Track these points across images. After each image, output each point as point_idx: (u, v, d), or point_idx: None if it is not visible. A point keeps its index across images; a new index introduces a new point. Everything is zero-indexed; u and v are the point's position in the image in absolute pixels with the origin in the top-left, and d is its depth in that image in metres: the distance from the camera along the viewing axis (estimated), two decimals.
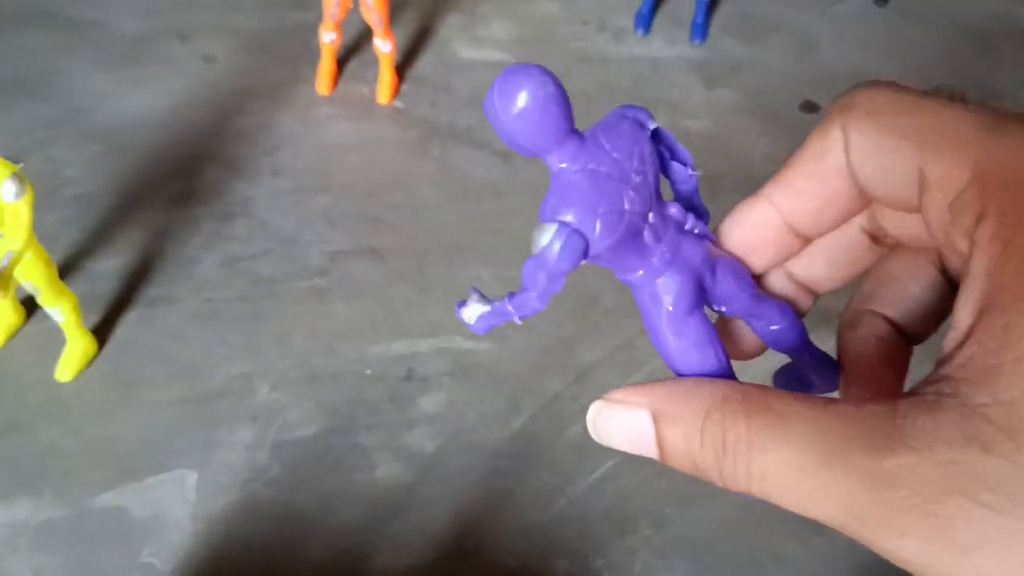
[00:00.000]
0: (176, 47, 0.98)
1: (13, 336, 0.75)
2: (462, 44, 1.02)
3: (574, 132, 0.27)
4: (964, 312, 0.23)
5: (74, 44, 0.97)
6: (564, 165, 0.27)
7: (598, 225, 0.26)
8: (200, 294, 0.79)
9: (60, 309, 0.70)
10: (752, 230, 0.30)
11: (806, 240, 0.30)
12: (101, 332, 0.76)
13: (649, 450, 0.29)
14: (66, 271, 0.78)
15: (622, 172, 0.27)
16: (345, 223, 0.85)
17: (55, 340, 0.75)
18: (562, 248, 0.26)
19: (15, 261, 0.63)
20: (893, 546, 0.23)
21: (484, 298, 0.29)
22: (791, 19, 1.09)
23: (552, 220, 0.26)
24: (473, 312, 0.29)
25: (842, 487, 0.23)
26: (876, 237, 0.31)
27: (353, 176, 0.89)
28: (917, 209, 0.26)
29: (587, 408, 0.72)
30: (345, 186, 0.88)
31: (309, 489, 0.70)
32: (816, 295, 0.33)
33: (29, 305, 0.76)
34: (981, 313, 0.23)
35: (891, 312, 0.31)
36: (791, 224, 0.30)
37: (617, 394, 0.29)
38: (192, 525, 0.67)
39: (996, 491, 0.21)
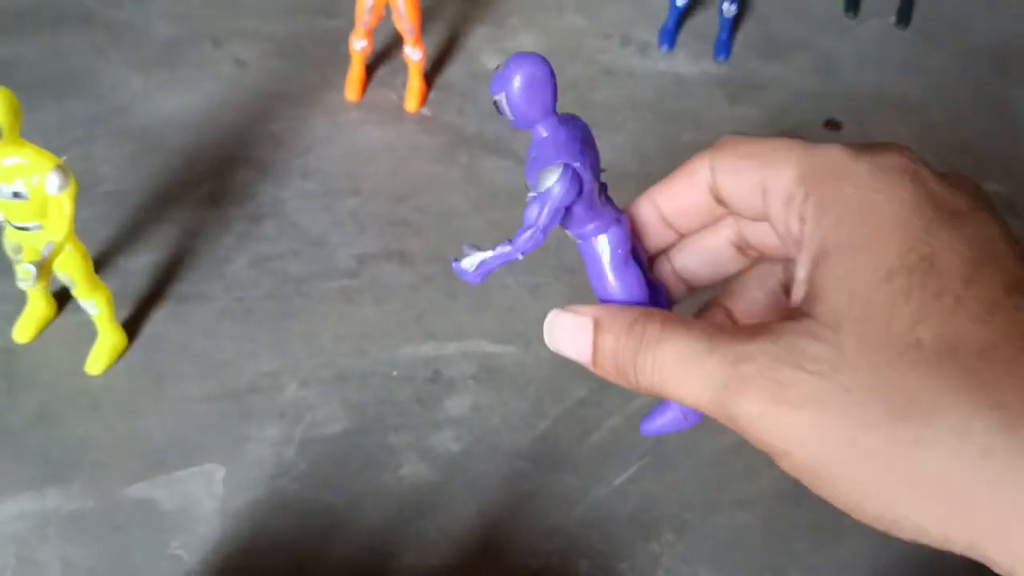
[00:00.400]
0: (209, 51, 1.00)
1: (45, 328, 0.76)
2: (490, 55, 1.03)
3: (555, 112, 0.35)
4: (802, 268, 0.33)
5: (110, 45, 0.99)
6: (546, 134, 0.35)
7: (587, 174, 0.35)
8: (230, 293, 0.80)
9: (95, 302, 0.71)
10: (640, 217, 0.40)
11: (680, 234, 0.41)
12: (131, 327, 0.77)
13: (585, 353, 0.36)
14: (99, 267, 0.79)
15: (583, 147, 0.35)
16: (373, 226, 0.86)
17: (86, 333, 0.76)
18: (568, 184, 0.34)
19: (56, 252, 0.64)
20: (745, 409, 0.31)
21: (479, 249, 0.36)
22: (813, 39, 1.11)
23: (557, 164, 0.34)
24: (472, 260, 0.35)
25: (717, 367, 0.31)
26: (741, 248, 0.40)
27: (381, 180, 0.90)
28: (764, 216, 0.36)
29: (612, 414, 0.75)
30: (373, 190, 0.89)
31: (336, 487, 0.70)
32: (691, 288, 0.42)
33: (60, 298, 0.77)
34: (814, 263, 0.32)
35: (732, 305, 0.41)
36: (667, 219, 0.40)
37: (569, 307, 0.37)
38: (220, 519, 0.68)
39: (819, 363, 0.30)
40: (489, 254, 0.35)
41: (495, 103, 0.34)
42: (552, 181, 0.33)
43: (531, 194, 0.35)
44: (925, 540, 0.32)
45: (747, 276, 0.41)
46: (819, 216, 0.32)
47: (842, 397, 0.29)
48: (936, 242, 0.30)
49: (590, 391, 0.77)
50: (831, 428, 0.30)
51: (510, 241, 0.34)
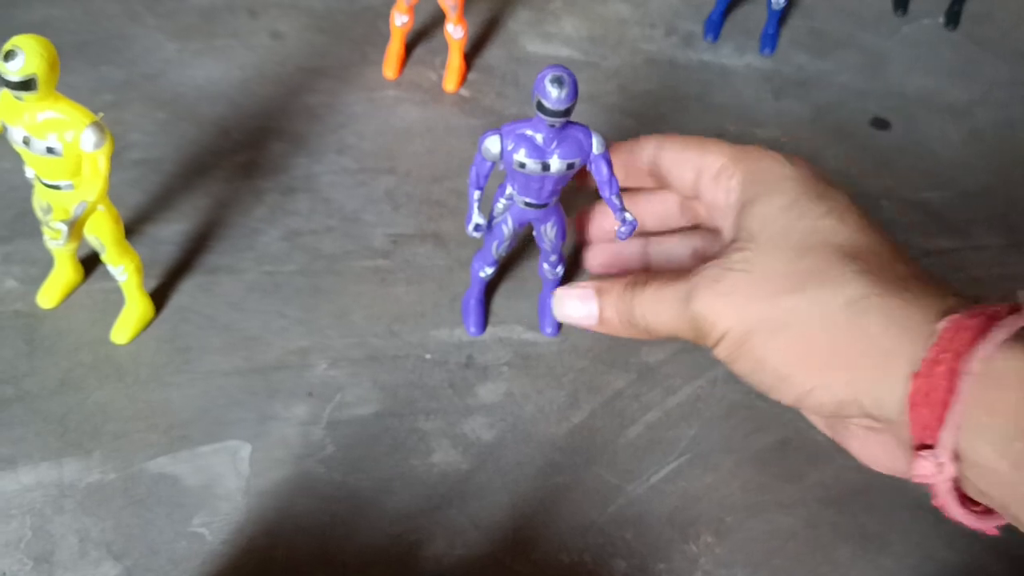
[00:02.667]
0: (245, 22, 0.97)
1: (71, 294, 0.74)
2: (531, 39, 1.01)
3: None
4: (729, 218, 0.50)
5: (145, 11, 0.97)
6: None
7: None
8: (261, 266, 0.78)
9: (123, 268, 0.69)
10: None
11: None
12: (159, 297, 0.75)
13: (593, 315, 0.52)
14: (128, 234, 0.77)
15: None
16: (408, 206, 0.84)
17: (112, 301, 0.73)
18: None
19: (89, 211, 0.62)
20: (695, 307, 0.45)
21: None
22: (861, 37, 1.08)
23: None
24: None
25: (679, 288, 0.47)
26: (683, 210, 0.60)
27: (417, 160, 0.88)
28: (693, 191, 0.54)
29: (650, 408, 0.75)
30: (409, 170, 0.87)
31: (364, 470, 0.68)
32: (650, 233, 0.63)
33: (88, 264, 0.75)
34: (738, 212, 0.48)
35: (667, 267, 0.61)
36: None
37: (571, 284, 0.54)
38: (244, 498, 0.66)
39: (741, 263, 0.44)
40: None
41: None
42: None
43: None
44: (826, 410, 0.43)
45: (675, 243, 0.60)
46: (744, 181, 0.49)
47: (756, 282, 0.43)
48: (822, 187, 0.47)
49: (628, 383, 0.75)
50: (749, 306, 0.43)
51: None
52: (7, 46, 0.56)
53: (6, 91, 0.59)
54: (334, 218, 0.82)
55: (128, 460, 0.66)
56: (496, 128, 0.62)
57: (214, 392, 0.70)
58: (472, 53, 0.98)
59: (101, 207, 0.64)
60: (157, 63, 0.92)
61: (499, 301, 0.78)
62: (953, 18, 1.11)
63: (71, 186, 0.63)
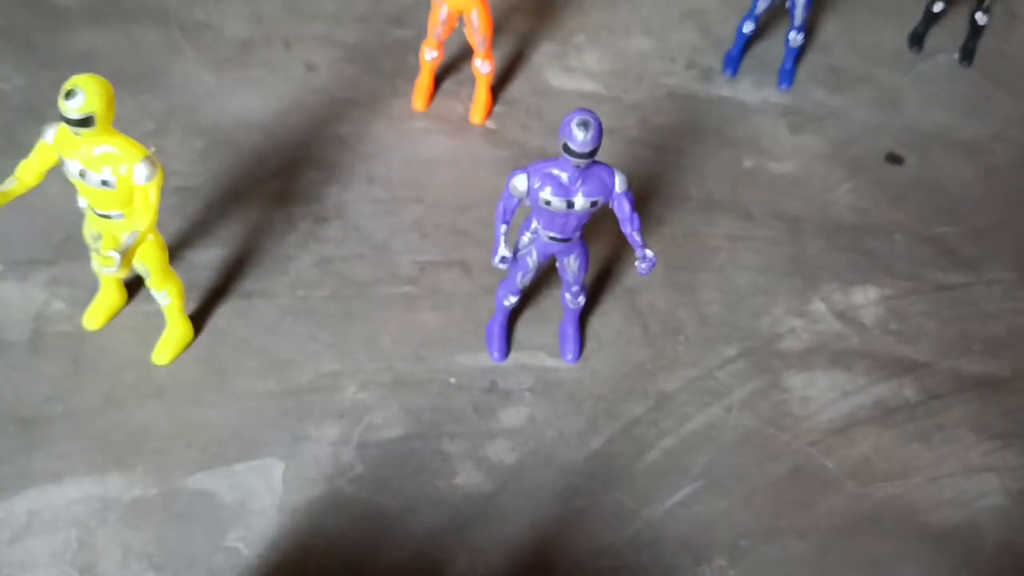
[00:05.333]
0: (281, 54, 1.01)
1: (115, 316, 0.77)
2: (554, 72, 1.04)
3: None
4: None
5: (184, 43, 1.01)
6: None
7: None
8: (294, 291, 0.81)
9: (167, 293, 0.72)
10: None
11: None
12: (197, 320, 0.78)
13: None
14: (169, 259, 0.81)
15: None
16: (436, 234, 0.87)
17: (153, 323, 0.77)
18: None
19: (139, 241, 0.65)
20: None
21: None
22: (877, 74, 1.11)
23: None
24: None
25: None
26: None
27: (445, 190, 0.91)
28: None
29: (667, 434, 0.76)
30: (437, 199, 0.90)
31: (391, 490, 0.71)
32: None
33: (131, 287, 0.79)
34: None
35: None
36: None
37: None
38: (278, 515, 0.69)
39: None
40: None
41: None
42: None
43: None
44: None
45: None
46: None
47: None
48: None
49: (646, 410, 0.77)
50: None
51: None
52: (67, 85, 0.60)
53: (63, 125, 0.63)
54: (364, 245, 0.85)
55: (168, 476, 0.70)
56: (523, 167, 0.65)
57: (249, 412, 0.74)
58: (497, 86, 1.02)
59: (150, 236, 0.67)
60: (196, 93, 0.96)
61: (522, 328, 0.81)
62: (968, 55, 1.13)
63: (122, 215, 0.66)
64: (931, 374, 0.80)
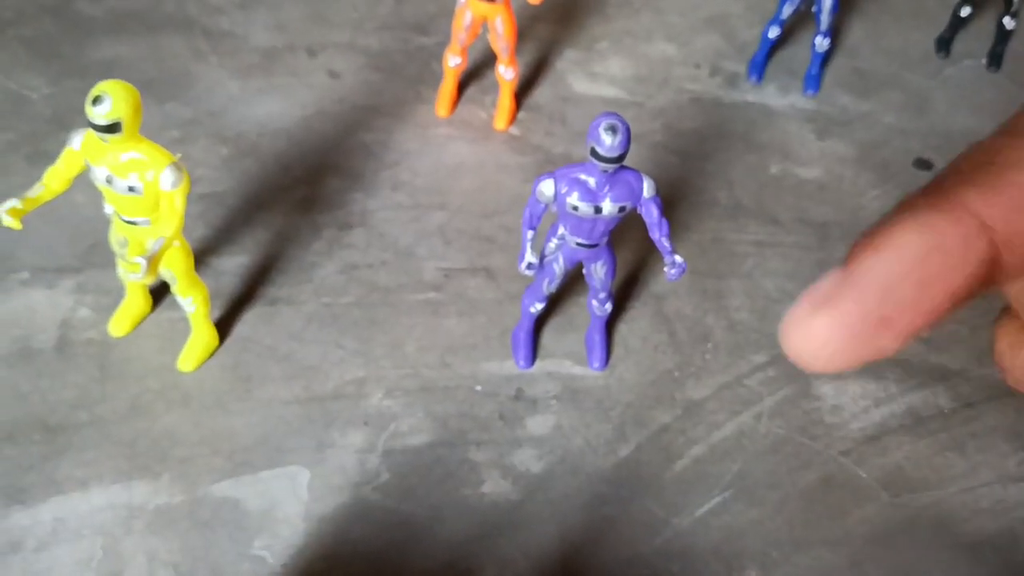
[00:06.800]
0: (304, 61, 1.01)
1: (140, 323, 0.77)
2: (578, 78, 1.04)
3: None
4: None
5: (209, 51, 1.01)
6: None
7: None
8: (319, 298, 0.81)
9: (192, 299, 0.72)
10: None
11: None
12: (222, 327, 0.78)
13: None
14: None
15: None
16: (460, 241, 0.87)
17: (178, 330, 0.77)
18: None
19: (165, 247, 0.65)
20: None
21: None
22: (904, 78, 1.10)
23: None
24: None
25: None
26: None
27: (469, 196, 0.90)
28: None
29: (696, 442, 0.74)
30: (461, 206, 0.90)
31: (417, 498, 0.70)
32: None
33: (156, 294, 0.78)
34: None
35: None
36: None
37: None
38: (303, 523, 0.68)
39: None
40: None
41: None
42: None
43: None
44: None
45: None
46: None
47: None
48: None
49: (674, 418, 0.76)
50: None
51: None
52: (95, 91, 0.60)
53: (90, 132, 0.63)
54: (388, 252, 0.85)
55: (193, 483, 0.69)
56: (550, 172, 0.64)
57: (274, 419, 0.73)
58: (521, 92, 1.01)
59: (176, 242, 0.67)
60: (220, 100, 0.96)
61: (548, 335, 0.80)
62: (996, 59, 1.12)
63: (148, 222, 0.66)
64: (964, 382, 0.79)
